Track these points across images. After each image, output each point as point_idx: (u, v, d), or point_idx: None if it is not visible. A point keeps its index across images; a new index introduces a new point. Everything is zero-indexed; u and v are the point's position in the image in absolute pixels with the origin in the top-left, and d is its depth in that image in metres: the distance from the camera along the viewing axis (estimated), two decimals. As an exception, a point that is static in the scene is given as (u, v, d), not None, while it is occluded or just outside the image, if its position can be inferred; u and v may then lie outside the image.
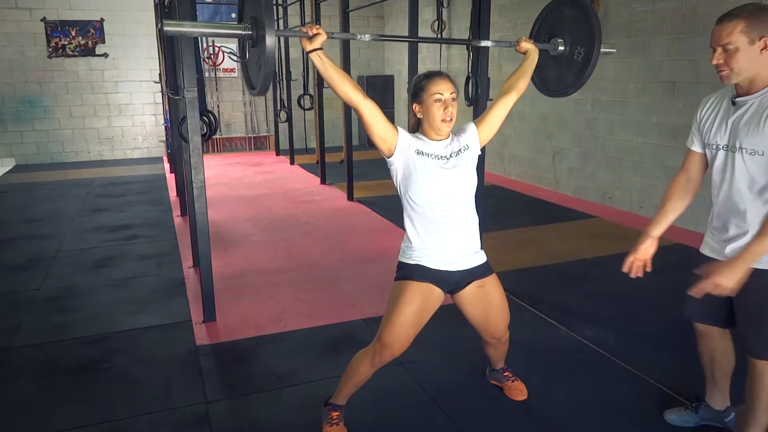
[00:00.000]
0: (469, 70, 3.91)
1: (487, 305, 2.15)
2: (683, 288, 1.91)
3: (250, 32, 2.00)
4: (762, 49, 1.70)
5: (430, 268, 2.05)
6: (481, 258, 2.14)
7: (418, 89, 2.03)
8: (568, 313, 3.30)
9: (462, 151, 2.07)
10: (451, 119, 2.01)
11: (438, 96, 1.98)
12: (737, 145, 1.79)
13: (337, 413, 2.22)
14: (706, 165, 1.99)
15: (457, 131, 2.12)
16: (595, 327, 3.11)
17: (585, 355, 2.86)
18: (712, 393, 2.17)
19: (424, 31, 7.81)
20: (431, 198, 2.01)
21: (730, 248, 1.88)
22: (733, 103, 1.83)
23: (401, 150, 2.01)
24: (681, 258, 3.80)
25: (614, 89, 5.58)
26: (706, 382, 2.17)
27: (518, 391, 2.46)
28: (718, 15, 1.78)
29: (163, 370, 2.75)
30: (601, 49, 2.39)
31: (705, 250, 2.01)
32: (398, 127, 2.04)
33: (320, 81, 6.88)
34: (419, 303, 2.04)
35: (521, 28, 6.70)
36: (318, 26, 1.95)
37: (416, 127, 2.11)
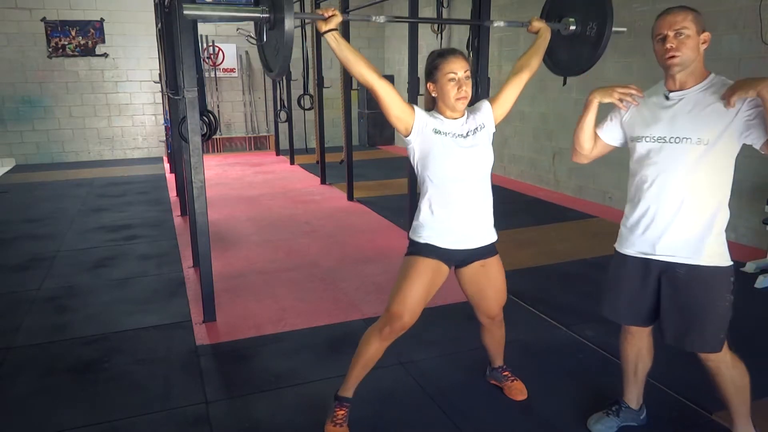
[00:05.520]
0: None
1: (486, 283, 2.19)
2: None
3: (267, 15, 2.01)
4: (702, 43, 1.81)
5: (438, 247, 2.08)
6: (490, 237, 2.16)
7: (431, 68, 2.04)
8: (568, 313, 3.30)
9: (479, 129, 2.09)
10: (466, 96, 2.02)
11: (452, 75, 1.99)
12: (680, 136, 1.82)
13: (342, 411, 2.20)
14: (601, 151, 2.09)
15: (472, 109, 2.14)
16: (596, 327, 3.10)
17: (585, 355, 2.86)
18: (630, 393, 2.22)
19: (423, 30, 7.80)
20: (449, 176, 2.03)
21: (663, 244, 1.89)
22: (667, 98, 1.88)
23: (418, 129, 2.03)
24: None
25: (614, 89, 5.57)
26: (625, 382, 2.22)
27: (518, 390, 2.47)
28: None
29: (163, 370, 2.75)
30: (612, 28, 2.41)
31: (626, 248, 2.00)
32: (414, 106, 2.05)
33: (320, 81, 6.88)
34: (429, 277, 2.08)
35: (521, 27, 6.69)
36: (334, 9, 1.98)
37: (431, 105, 2.13)
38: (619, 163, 5.71)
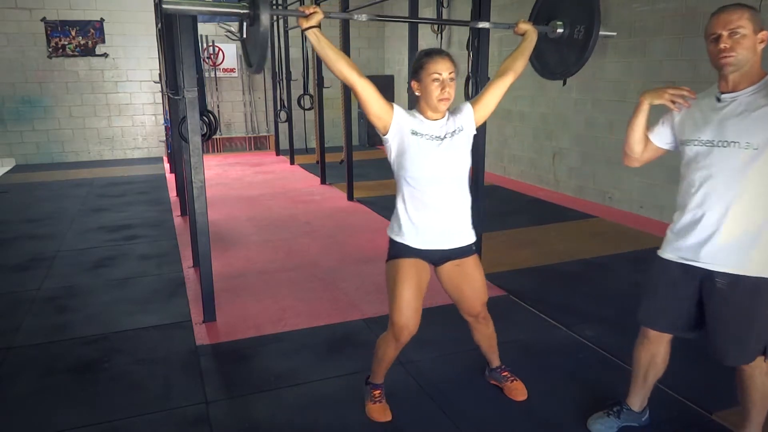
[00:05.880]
0: (469, 71, 3.91)
1: (462, 281, 2.21)
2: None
3: (247, 11, 2.02)
4: (760, 42, 1.74)
5: (413, 248, 2.12)
6: (466, 239, 2.18)
7: (417, 67, 2.05)
8: (568, 313, 3.30)
9: (457, 132, 2.09)
10: (448, 98, 2.02)
11: (436, 76, 1.99)
12: (728, 140, 1.77)
13: (379, 391, 2.34)
14: (653, 155, 2.05)
15: (454, 111, 2.14)
16: (595, 327, 3.10)
17: (585, 355, 2.86)
18: (635, 396, 2.20)
19: (424, 30, 7.80)
20: (424, 177, 2.04)
21: (706, 251, 1.83)
22: (718, 100, 1.82)
23: (396, 128, 2.04)
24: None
25: (614, 89, 5.58)
26: (633, 386, 2.20)
27: (518, 391, 2.47)
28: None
29: (163, 370, 2.75)
30: (601, 32, 2.38)
31: (668, 253, 1.95)
32: (394, 105, 2.06)
33: (320, 81, 6.88)
34: (415, 277, 2.12)
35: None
36: (315, 6, 1.98)
37: (414, 103, 2.14)
38: (619, 163, 5.71)
